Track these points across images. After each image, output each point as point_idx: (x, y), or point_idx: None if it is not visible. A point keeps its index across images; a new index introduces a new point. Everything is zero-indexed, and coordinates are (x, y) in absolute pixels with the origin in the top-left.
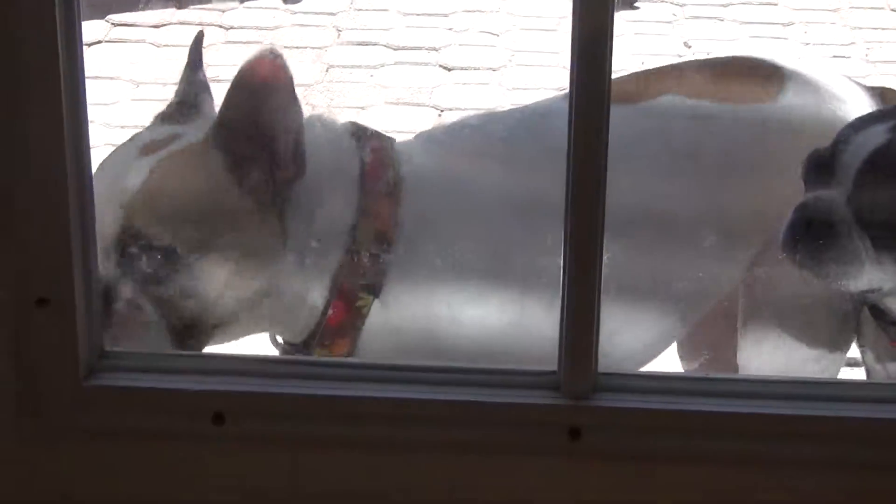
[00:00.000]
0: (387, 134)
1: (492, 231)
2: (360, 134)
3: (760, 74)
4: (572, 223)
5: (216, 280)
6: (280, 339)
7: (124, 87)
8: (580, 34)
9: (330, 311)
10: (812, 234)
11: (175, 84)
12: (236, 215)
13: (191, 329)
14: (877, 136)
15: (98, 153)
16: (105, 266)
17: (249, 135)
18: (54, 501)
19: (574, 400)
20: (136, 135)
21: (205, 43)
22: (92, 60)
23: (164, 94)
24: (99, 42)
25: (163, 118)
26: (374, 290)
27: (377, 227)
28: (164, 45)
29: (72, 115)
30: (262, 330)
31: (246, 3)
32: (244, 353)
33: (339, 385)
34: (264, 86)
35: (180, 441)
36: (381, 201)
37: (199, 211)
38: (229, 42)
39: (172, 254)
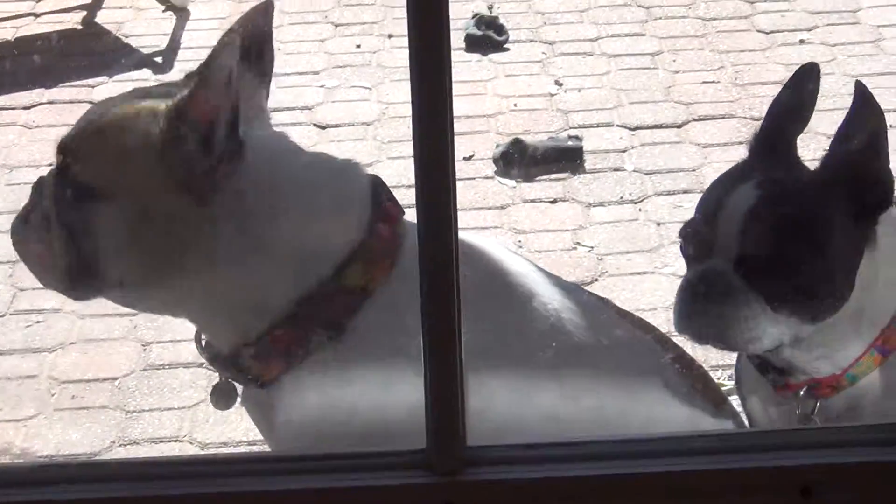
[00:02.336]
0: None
1: None
2: (378, 189)
3: None
4: (428, 299)
5: (119, 233)
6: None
7: None
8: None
9: (278, 332)
10: (708, 308)
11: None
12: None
13: (88, 271)
14: (747, 196)
15: None
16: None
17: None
18: None
19: (445, 476)
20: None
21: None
22: None
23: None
24: None
25: None
26: (335, 329)
27: (369, 275)
28: (36, 127)
29: None
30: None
31: (115, 78)
32: (137, 457)
33: (202, 482)
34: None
35: None
36: (382, 260)
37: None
38: None
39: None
